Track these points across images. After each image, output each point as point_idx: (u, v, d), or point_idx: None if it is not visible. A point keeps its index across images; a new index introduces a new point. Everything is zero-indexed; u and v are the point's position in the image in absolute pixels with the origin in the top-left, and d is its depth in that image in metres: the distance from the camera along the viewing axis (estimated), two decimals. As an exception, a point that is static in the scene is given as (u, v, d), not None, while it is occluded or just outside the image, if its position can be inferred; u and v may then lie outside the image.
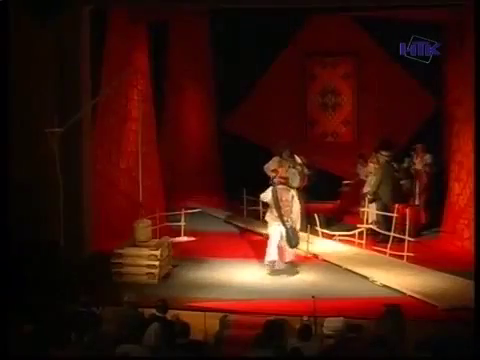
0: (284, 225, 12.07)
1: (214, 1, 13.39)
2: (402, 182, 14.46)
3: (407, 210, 13.37)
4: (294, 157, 12.83)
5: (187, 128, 17.14)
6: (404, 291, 10.96)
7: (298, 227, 12.30)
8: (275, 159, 12.79)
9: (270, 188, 12.37)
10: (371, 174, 14.52)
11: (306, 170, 13.22)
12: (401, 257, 12.53)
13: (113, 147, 13.98)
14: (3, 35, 10.00)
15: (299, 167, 12.60)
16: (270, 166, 12.63)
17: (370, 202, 14.01)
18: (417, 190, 14.64)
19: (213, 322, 9.74)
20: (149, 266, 11.67)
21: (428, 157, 14.70)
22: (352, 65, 17.17)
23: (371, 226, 13.77)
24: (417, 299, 10.68)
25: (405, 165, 14.74)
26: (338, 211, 16.06)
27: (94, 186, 13.11)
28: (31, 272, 10.60)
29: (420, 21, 14.20)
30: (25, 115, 11.80)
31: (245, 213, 16.05)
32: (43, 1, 11.93)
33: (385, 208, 13.73)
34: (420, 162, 14.71)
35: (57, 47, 12.25)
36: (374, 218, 13.96)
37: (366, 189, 14.36)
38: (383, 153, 14.22)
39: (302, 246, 13.31)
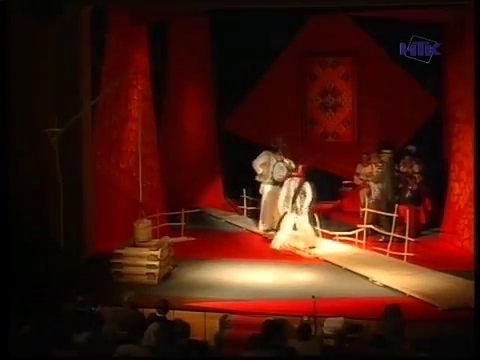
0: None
1: (214, 1, 13.39)
2: (400, 186, 14.46)
3: (407, 210, 13.38)
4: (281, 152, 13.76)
5: (187, 128, 17.11)
6: (404, 291, 10.96)
7: None
8: (264, 153, 14.24)
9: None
10: (371, 180, 14.50)
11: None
12: (401, 257, 12.52)
13: (113, 147, 13.96)
14: (3, 35, 10.00)
15: (287, 161, 14.03)
16: (259, 160, 14.24)
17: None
18: (409, 194, 14.58)
19: (213, 322, 9.76)
20: (149, 266, 11.67)
21: (416, 167, 14.62)
22: (352, 65, 17.12)
23: (371, 226, 13.76)
24: (417, 299, 10.68)
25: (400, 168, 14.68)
26: (338, 211, 16.08)
27: (94, 186, 13.11)
28: (31, 272, 10.61)
29: (420, 21, 14.17)
30: (25, 115, 11.80)
31: (245, 213, 16.05)
32: (43, 1, 11.93)
33: (389, 208, 13.68)
34: (410, 168, 14.67)
35: (57, 47, 12.26)
36: (380, 221, 13.93)
37: (374, 194, 14.32)
38: (384, 151, 14.23)
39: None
